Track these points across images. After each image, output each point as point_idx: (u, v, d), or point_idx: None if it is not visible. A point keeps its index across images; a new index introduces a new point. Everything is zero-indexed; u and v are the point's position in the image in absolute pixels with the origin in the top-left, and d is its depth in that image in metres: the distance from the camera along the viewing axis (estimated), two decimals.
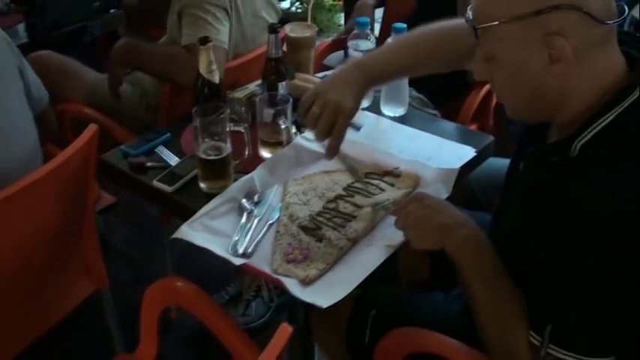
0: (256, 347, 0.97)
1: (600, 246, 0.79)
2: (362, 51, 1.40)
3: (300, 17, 3.27)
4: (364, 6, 2.07)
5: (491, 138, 1.34)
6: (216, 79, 1.22)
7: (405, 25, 1.36)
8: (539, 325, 0.85)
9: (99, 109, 1.71)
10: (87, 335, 1.70)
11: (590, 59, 0.82)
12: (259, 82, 1.43)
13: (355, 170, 1.14)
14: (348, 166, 1.13)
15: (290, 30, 1.48)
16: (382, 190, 1.17)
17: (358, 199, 1.14)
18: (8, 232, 1.15)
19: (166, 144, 1.31)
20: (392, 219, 1.04)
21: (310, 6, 3.28)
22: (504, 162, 1.09)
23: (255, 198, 1.14)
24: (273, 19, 1.72)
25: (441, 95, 1.76)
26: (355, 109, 1.09)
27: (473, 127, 1.77)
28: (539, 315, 0.86)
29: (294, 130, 1.30)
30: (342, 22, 3.21)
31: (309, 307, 1.09)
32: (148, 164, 1.25)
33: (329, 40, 2.14)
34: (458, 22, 1.11)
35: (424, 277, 1.27)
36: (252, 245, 1.04)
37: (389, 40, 1.38)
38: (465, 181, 1.28)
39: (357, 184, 1.18)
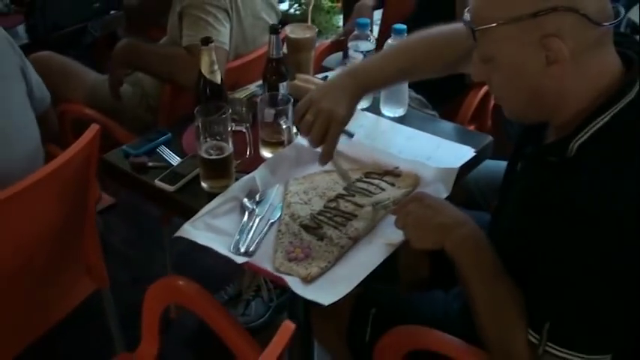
0: (258, 346, 0.97)
1: (598, 244, 0.80)
2: (362, 52, 1.41)
3: (298, 19, 3.28)
4: (363, 7, 2.08)
5: (490, 138, 1.35)
6: (218, 79, 1.23)
7: (404, 26, 1.38)
8: (538, 323, 0.86)
9: (99, 109, 1.72)
10: (87, 335, 1.71)
11: (587, 60, 0.83)
12: (260, 82, 1.43)
13: (347, 176, 1.15)
14: (341, 172, 1.15)
15: (290, 31, 1.49)
16: (382, 189, 1.18)
17: (359, 198, 1.15)
18: (10, 231, 1.15)
19: (167, 144, 1.32)
20: (392, 218, 1.05)
21: (310, 8, 3.29)
22: (502, 163, 1.10)
23: (257, 197, 1.15)
24: (273, 20, 1.72)
25: (440, 96, 1.77)
26: (348, 116, 1.11)
27: (471, 128, 1.78)
28: (537, 313, 0.87)
29: (294, 130, 1.30)
30: (341, 23, 3.23)
31: (311, 306, 1.10)
32: (150, 164, 1.26)
33: (328, 41, 2.15)
34: (453, 26, 1.13)
35: (424, 277, 1.28)
36: (254, 244, 1.05)
37: (388, 41, 1.39)
38: (463, 182, 1.29)
39: (358, 184, 1.19)
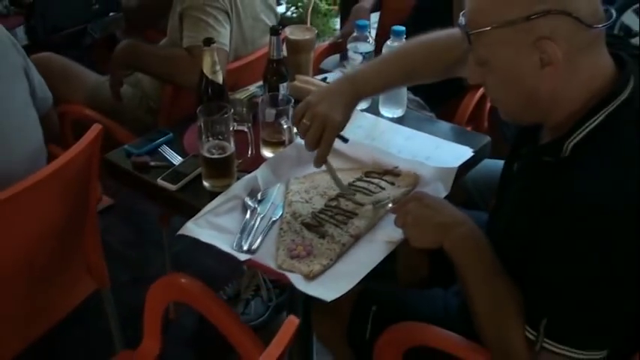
0: (261, 342, 0.98)
1: (593, 242, 0.81)
2: (361, 53, 1.42)
3: (295, 21, 3.29)
4: (360, 10, 2.10)
5: (488, 138, 1.36)
6: (220, 79, 1.24)
7: (403, 28, 1.39)
8: (535, 319, 0.87)
9: (100, 110, 1.72)
10: (86, 335, 1.71)
11: (580, 62, 0.84)
12: (259, 83, 1.45)
13: (341, 184, 1.17)
14: (335, 179, 1.16)
15: (290, 32, 1.50)
16: (382, 188, 1.19)
17: (359, 197, 1.16)
18: (11, 231, 1.16)
19: (169, 144, 1.32)
20: (393, 216, 1.06)
21: (310, 10, 3.31)
22: (499, 163, 1.11)
23: (258, 196, 1.16)
24: (272, 22, 1.73)
25: (437, 98, 1.78)
26: (343, 122, 1.13)
27: (468, 129, 1.80)
28: (534, 310, 0.88)
29: (295, 130, 1.32)
30: (338, 26, 3.24)
31: (312, 304, 1.11)
32: (152, 163, 1.26)
33: (325, 43, 2.16)
34: (450, 31, 1.14)
35: (423, 276, 1.29)
36: (257, 241, 1.06)
37: (387, 42, 1.40)
38: (461, 182, 1.30)
39: (358, 183, 1.20)
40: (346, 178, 1.21)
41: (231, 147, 1.17)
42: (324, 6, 3.49)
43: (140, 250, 2.09)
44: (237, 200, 1.15)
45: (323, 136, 1.10)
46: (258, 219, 1.11)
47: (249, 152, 1.24)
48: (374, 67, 1.20)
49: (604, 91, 0.86)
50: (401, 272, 1.31)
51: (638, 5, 1.37)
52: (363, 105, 1.45)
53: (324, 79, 1.51)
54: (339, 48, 2.07)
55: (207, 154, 1.16)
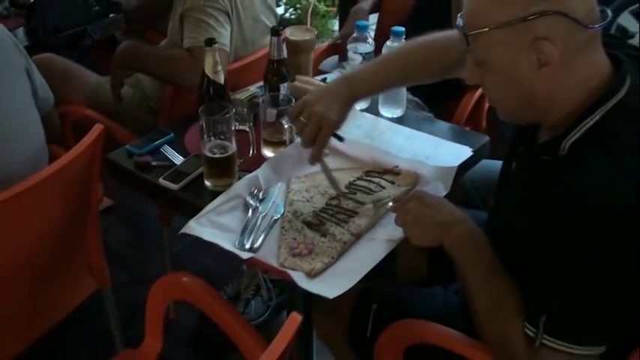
0: (263, 340, 0.99)
1: (593, 242, 0.82)
2: (361, 54, 1.43)
3: (294, 23, 3.30)
4: (359, 11, 2.11)
5: (487, 138, 1.37)
6: (222, 79, 1.24)
7: (403, 29, 1.40)
8: (534, 316, 0.87)
9: (101, 111, 1.72)
10: (87, 335, 1.71)
11: (577, 62, 0.85)
12: (260, 84, 1.45)
13: (335, 183, 1.18)
14: (330, 179, 1.17)
15: (290, 33, 1.51)
16: (383, 187, 1.20)
17: (360, 196, 1.17)
18: (13, 231, 1.16)
19: (170, 144, 1.33)
20: (393, 215, 1.07)
21: (309, 12, 3.32)
22: (498, 163, 1.12)
23: (260, 195, 1.17)
24: (272, 23, 1.74)
25: (436, 99, 1.79)
26: (339, 121, 1.15)
27: (467, 129, 1.81)
28: (533, 307, 0.88)
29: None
30: (336, 27, 3.25)
31: (313, 303, 1.12)
32: (154, 163, 1.27)
33: (324, 45, 2.17)
34: (447, 33, 1.15)
35: (423, 275, 1.30)
36: (259, 240, 1.07)
37: (387, 43, 1.41)
38: (460, 182, 1.31)
39: (359, 182, 1.21)
40: (347, 178, 1.22)
41: (232, 147, 1.18)
42: (322, 7, 3.50)
43: (140, 251, 2.09)
44: (239, 199, 1.15)
45: (318, 134, 1.12)
46: (260, 218, 1.12)
47: (251, 152, 1.25)
48: (371, 68, 1.21)
49: (600, 90, 0.87)
50: (401, 271, 1.32)
51: (634, 7, 1.39)
52: (362, 105, 1.46)
53: (324, 80, 1.52)
54: (337, 49, 2.08)
55: (209, 154, 1.17)
